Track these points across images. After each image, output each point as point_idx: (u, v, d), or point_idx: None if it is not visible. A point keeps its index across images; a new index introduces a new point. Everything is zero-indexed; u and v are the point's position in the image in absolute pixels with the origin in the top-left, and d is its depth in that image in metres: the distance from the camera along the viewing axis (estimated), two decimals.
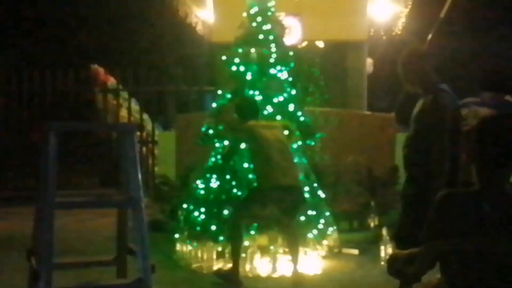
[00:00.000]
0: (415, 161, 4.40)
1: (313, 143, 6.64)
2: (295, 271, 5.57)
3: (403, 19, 9.74)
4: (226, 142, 6.27)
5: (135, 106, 12.15)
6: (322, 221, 6.23)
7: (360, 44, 8.84)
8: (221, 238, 5.96)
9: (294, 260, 5.58)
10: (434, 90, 4.37)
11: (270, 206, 5.63)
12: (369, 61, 9.44)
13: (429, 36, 9.52)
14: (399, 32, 10.26)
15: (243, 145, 5.88)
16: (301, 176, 6.27)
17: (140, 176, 3.09)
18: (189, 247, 6.26)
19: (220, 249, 6.00)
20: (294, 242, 5.68)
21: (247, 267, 5.91)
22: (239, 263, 5.56)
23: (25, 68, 12.39)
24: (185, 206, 6.48)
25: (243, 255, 5.94)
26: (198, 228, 6.10)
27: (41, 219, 2.95)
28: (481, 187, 2.67)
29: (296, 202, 5.74)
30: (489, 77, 5.34)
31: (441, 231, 2.62)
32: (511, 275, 2.53)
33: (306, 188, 6.20)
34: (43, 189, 2.94)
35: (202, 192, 6.25)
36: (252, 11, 6.49)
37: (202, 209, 6.09)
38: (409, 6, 9.13)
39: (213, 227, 6.03)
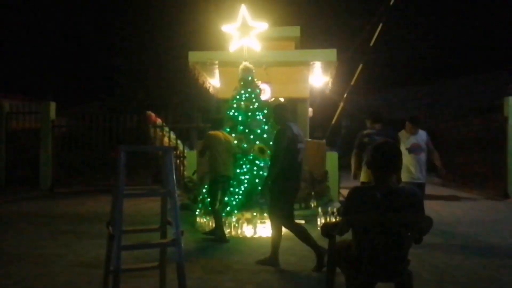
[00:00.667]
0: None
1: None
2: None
3: (330, 85, 9.81)
4: None
5: (173, 135, 12.09)
6: None
7: (305, 99, 8.88)
8: (223, 214, 5.89)
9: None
10: (282, 125, 4.45)
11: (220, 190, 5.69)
12: (310, 109, 9.46)
13: (345, 95, 9.59)
14: (327, 93, 10.35)
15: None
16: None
17: (174, 177, 3.07)
18: (204, 220, 6.21)
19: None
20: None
21: (238, 231, 5.89)
22: (223, 228, 5.55)
23: (108, 113, 12.37)
24: (201, 195, 6.43)
25: (236, 225, 5.91)
26: (209, 208, 6.04)
27: (115, 203, 2.93)
28: (375, 183, 2.70)
29: (229, 187, 5.81)
30: (374, 115, 5.50)
31: (351, 210, 2.63)
32: (393, 237, 2.55)
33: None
34: (117, 185, 2.91)
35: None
36: (242, 80, 6.54)
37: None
38: (333, 77, 9.21)
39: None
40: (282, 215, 4.39)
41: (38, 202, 9.17)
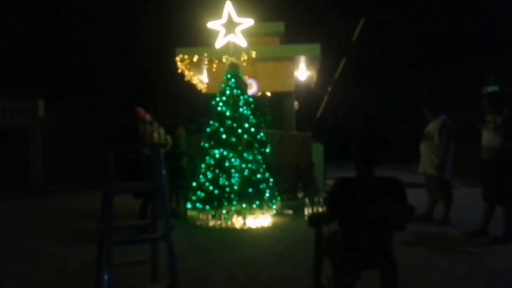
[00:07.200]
0: None
1: (266, 150, 6.63)
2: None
3: (314, 79, 9.83)
4: (215, 151, 6.24)
5: (162, 131, 12.00)
6: (272, 194, 6.21)
7: (291, 93, 8.89)
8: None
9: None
10: None
11: None
12: (296, 103, 9.48)
13: (329, 89, 9.62)
14: (312, 86, 10.36)
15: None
16: (261, 169, 6.22)
17: (164, 172, 3.05)
18: (194, 213, 6.18)
19: (213, 213, 5.95)
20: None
21: (229, 223, 5.89)
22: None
23: (97, 109, 12.30)
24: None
25: (228, 216, 5.89)
26: (199, 203, 6.04)
27: (106, 200, 2.89)
28: (358, 175, 2.72)
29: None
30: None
31: (337, 200, 2.65)
32: (377, 226, 2.57)
33: (258, 175, 6.11)
34: (107, 181, 2.88)
35: (202, 180, 6.19)
36: (229, 75, 6.51)
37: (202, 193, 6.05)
38: (317, 72, 9.22)
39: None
40: None
41: (29, 200, 9.05)
